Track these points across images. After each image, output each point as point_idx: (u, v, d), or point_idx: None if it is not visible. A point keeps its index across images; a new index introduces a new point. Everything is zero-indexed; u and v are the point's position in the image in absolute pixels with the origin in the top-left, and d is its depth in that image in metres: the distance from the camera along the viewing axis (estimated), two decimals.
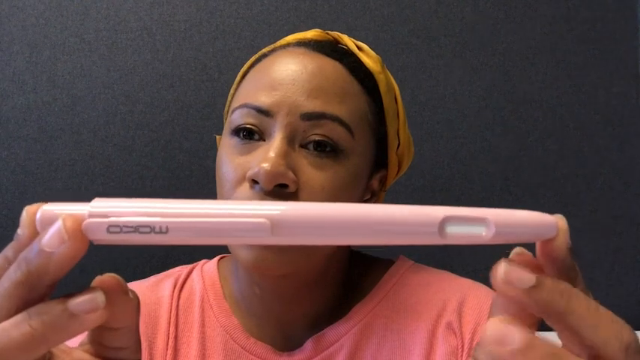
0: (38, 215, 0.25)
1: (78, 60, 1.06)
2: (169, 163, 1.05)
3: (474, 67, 1.08)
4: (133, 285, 0.59)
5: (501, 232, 0.24)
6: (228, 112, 0.56)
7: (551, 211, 0.25)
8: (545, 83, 1.08)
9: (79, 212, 0.24)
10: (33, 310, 0.24)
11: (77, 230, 0.24)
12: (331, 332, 0.53)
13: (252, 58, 0.56)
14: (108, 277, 0.25)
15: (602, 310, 0.24)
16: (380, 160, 0.55)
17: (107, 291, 0.25)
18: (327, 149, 0.48)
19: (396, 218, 0.24)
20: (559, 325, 0.24)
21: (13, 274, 0.24)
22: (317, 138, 0.48)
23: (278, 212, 0.24)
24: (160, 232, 0.24)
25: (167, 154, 1.05)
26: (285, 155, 0.47)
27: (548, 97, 1.08)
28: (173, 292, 0.57)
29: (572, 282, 0.25)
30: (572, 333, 0.24)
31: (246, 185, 0.47)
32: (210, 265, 0.60)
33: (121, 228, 0.24)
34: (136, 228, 0.24)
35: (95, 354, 0.28)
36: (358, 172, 0.51)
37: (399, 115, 0.56)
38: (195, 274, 0.59)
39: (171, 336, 0.55)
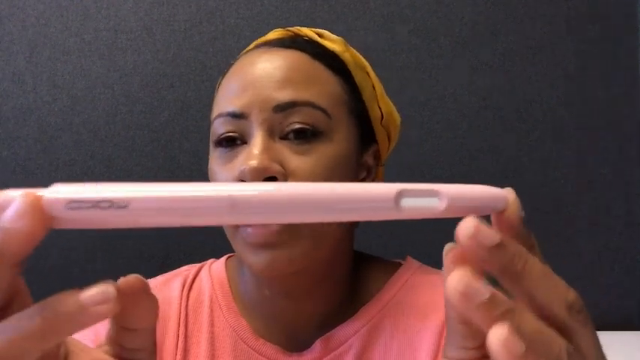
0: None
1: (78, 60, 1.06)
2: (169, 163, 1.05)
3: (474, 67, 1.08)
4: None
5: (454, 204, 0.25)
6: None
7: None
8: (545, 83, 1.08)
9: (37, 193, 0.24)
10: (46, 301, 0.24)
11: (36, 205, 0.24)
12: (340, 332, 0.54)
13: (223, 72, 0.57)
14: (132, 278, 0.26)
15: (553, 274, 0.26)
16: (367, 136, 0.56)
17: (131, 291, 0.25)
18: (307, 135, 0.49)
19: (354, 194, 0.25)
20: (513, 285, 0.25)
21: None
22: (295, 126, 0.48)
23: (238, 191, 0.25)
24: (120, 206, 0.24)
25: (167, 154, 1.05)
26: (268, 149, 0.47)
27: (548, 97, 1.08)
28: (182, 291, 0.58)
29: (531, 251, 0.26)
30: (523, 293, 0.25)
31: None
32: (218, 265, 0.61)
33: (81, 203, 0.23)
34: (96, 203, 0.24)
35: (113, 355, 0.28)
36: (344, 151, 0.51)
37: (374, 87, 0.57)
38: (203, 274, 0.60)
39: (181, 336, 0.55)
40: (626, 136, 1.08)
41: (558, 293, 0.25)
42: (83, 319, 0.24)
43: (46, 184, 0.25)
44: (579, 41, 1.08)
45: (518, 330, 0.24)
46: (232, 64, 0.56)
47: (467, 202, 0.25)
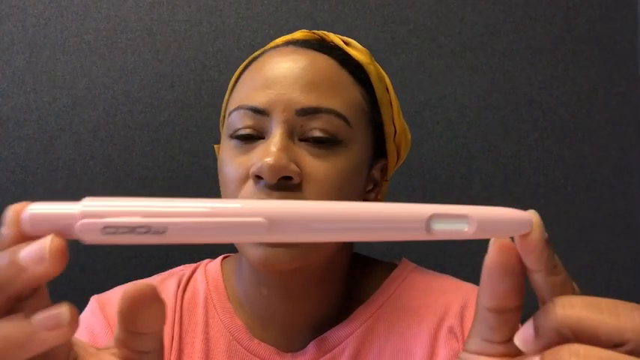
0: (24, 215, 0.23)
1: (78, 60, 1.06)
2: (169, 163, 1.05)
3: (474, 67, 1.08)
4: None
5: (482, 228, 0.26)
6: (224, 117, 0.56)
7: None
8: (545, 83, 1.08)
9: (69, 212, 0.23)
10: None
11: (60, 252, 0.22)
12: (334, 334, 0.54)
13: (244, 62, 0.57)
14: (141, 285, 0.26)
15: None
16: (379, 150, 0.56)
17: (140, 298, 0.25)
18: (326, 140, 0.49)
19: (387, 215, 0.25)
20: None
21: None
22: (315, 132, 0.49)
23: (274, 210, 0.24)
24: (157, 232, 0.23)
25: (167, 154, 1.05)
26: (286, 148, 0.47)
27: (548, 97, 1.08)
28: (177, 292, 0.58)
29: (552, 271, 0.27)
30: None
31: (250, 182, 0.48)
32: (213, 265, 0.60)
33: (117, 229, 0.23)
34: (133, 229, 0.23)
35: (122, 357, 0.28)
36: (359, 161, 0.51)
37: (392, 103, 0.57)
38: (198, 274, 0.60)
39: (176, 336, 0.55)
40: (626, 136, 1.08)
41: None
42: (33, 345, 0.22)
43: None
44: (579, 41, 1.08)
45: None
46: (256, 57, 0.55)
47: (494, 225, 0.26)
